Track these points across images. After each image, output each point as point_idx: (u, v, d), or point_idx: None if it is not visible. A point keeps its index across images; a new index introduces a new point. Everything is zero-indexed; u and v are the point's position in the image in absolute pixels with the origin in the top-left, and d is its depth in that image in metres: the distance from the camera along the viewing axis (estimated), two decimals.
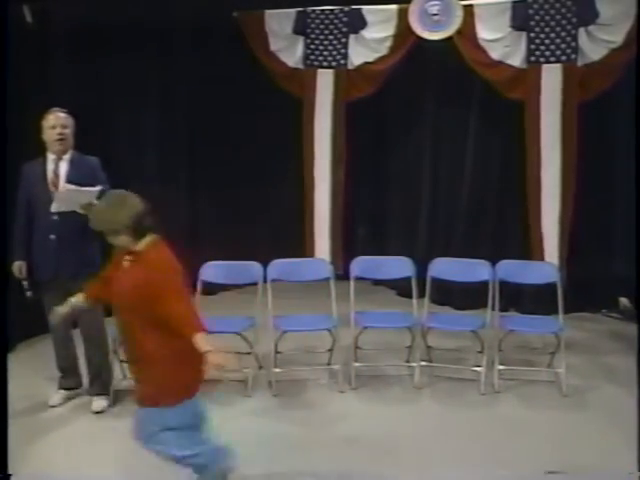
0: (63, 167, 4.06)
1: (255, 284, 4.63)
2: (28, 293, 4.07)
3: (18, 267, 4.06)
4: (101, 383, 4.25)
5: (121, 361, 4.41)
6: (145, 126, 6.19)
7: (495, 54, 5.67)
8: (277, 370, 4.48)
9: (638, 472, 2.95)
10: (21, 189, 4.11)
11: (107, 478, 3.43)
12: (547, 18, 5.56)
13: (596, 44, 5.46)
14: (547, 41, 5.58)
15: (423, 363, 4.66)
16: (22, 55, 4.82)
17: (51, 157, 4.10)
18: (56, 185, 4.03)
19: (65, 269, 4.03)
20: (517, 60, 5.67)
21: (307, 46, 6.23)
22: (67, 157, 4.08)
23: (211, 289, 5.16)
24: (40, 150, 4.13)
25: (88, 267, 4.11)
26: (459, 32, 5.68)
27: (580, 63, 5.51)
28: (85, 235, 4.09)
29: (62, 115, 4.09)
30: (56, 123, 4.04)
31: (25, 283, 4.07)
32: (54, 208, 3.95)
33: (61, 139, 4.04)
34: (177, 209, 6.60)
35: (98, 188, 3.88)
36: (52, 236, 4.01)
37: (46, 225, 4.02)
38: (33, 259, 4.08)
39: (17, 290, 4.08)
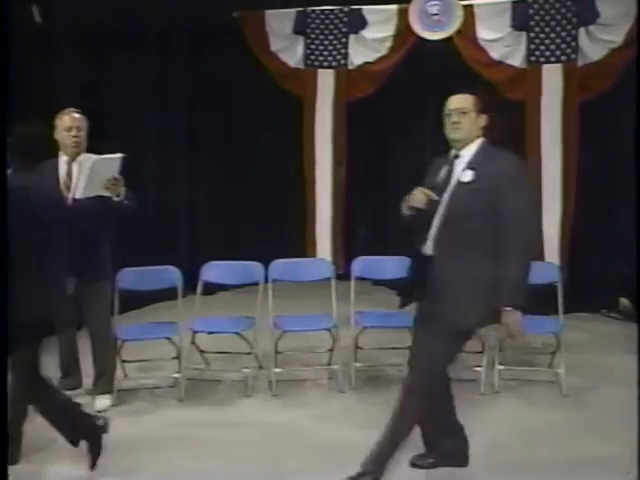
0: (76, 169, 3.99)
1: (256, 284, 4.63)
2: None
3: None
4: (105, 381, 4.25)
5: (123, 361, 4.43)
6: (144, 126, 6.20)
7: (495, 54, 5.70)
8: (277, 370, 4.48)
9: (638, 472, 2.94)
10: None
11: (110, 478, 3.43)
12: (547, 18, 5.58)
13: (596, 44, 5.48)
14: (547, 41, 5.59)
15: None
16: (25, 54, 4.82)
17: (64, 158, 4.04)
18: (69, 187, 3.99)
19: (75, 273, 4.02)
20: (517, 60, 5.69)
21: (307, 46, 6.25)
22: (81, 158, 4.00)
23: (212, 289, 5.18)
24: (48, 150, 4.07)
25: (99, 271, 4.12)
26: (459, 32, 5.71)
27: (580, 63, 5.54)
28: (97, 238, 4.10)
29: (77, 116, 4.04)
30: (72, 125, 3.99)
31: None
32: (80, 194, 3.83)
33: (76, 142, 4.00)
34: (177, 209, 6.62)
35: (120, 155, 3.81)
36: None
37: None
38: None
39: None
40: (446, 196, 3.04)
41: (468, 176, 3.00)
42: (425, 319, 3.14)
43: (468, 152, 3.10)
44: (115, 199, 3.86)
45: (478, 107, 3.13)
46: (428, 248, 3.06)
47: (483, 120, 3.13)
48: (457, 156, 3.12)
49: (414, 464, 3.43)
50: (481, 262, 2.95)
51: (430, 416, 3.25)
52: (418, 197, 3.05)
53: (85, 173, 3.80)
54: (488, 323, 3.05)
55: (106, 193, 3.83)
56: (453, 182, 3.05)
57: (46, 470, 3.45)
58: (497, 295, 2.91)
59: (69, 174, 4.02)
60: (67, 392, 4.27)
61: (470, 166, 3.04)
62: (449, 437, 3.37)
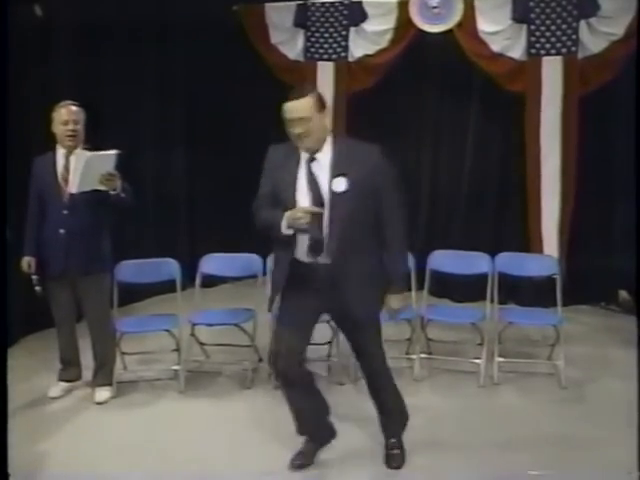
0: (74, 162, 4.00)
1: (255, 276, 4.63)
2: (37, 289, 4.05)
3: (27, 262, 4.05)
4: (105, 374, 4.27)
5: (122, 353, 4.44)
6: (144, 119, 6.19)
7: (495, 47, 5.68)
8: None
9: (638, 472, 2.94)
10: (32, 184, 4.09)
11: (110, 470, 3.44)
12: (548, 10, 5.57)
13: (597, 36, 5.46)
14: (548, 33, 5.57)
15: (423, 355, 4.67)
16: (25, 49, 4.82)
17: (61, 151, 4.05)
18: (66, 180, 3.99)
19: (74, 265, 4.02)
20: (517, 52, 5.67)
21: (307, 39, 6.25)
22: (78, 152, 4.01)
23: (211, 281, 5.18)
24: (47, 142, 4.10)
25: (98, 263, 4.12)
26: (459, 25, 5.69)
27: (581, 55, 5.52)
28: (96, 231, 4.10)
29: (74, 109, 4.03)
30: (68, 118, 3.99)
31: (34, 278, 4.05)
32: (76, 189, 3.87)
33: (73, 135, 4.00)
34: (176, 202, 6.62)
35: (115, 152, 3.81)
36: (62, 231, 3.98)
37: (56, 220, 4.00)
38: (42, 253, 4.06)
39: (25, 285, 4.09)
40: (325, 208, 2.94)
41: (342, 185, 2.91)
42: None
43: (325, 154, 2.99)
44: (111, 193, 3.87)
45: (319, 107, 2.97)
46: (320, 258, 3.01)
47: (328, 116, 3.02)
48: (313, 159, 2.99)
49: (299, 465, 3.42)
50: (370, 259, 3.07)
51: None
52: (302, 218, 2.89)
53: (80, 169, 3.82)
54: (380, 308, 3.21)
55: (102, 187, 3.84)
56: (325, 191, 2.94)
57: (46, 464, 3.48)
58: (389, 283, 3.13)
59: (67, 167, 4.03)
60: (67, 383, 4.32)
61: (339, 172, 2.93)
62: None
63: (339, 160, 2.97)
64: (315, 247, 3.00)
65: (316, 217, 2.91)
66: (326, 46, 6.22)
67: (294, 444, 3.57)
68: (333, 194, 2.94)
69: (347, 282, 3.02)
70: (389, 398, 3.42)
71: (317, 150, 3.00)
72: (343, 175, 2.92)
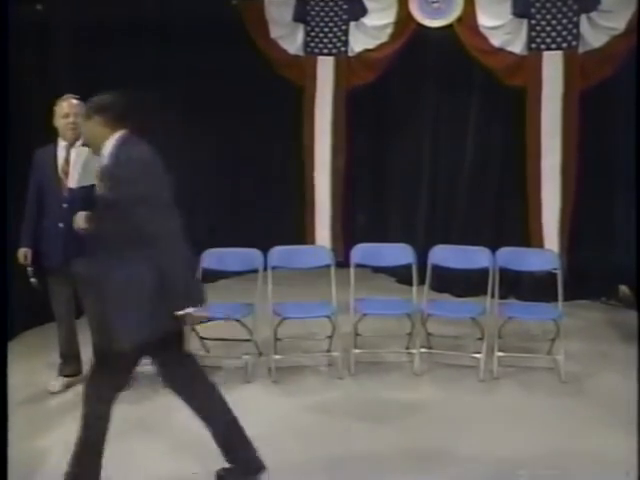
0: (74, 154, 4.02)
1: (255, 271, 4.63)
2: (32, 280, 4.06)
3: (23, 254, 4.05)
4: None
5: None
6: (143, 114, 6.17)
7: (496, 41, 5.67)
8: (277, 357, 4.49)
9: (637, 472, 2.93)
10: (32, 176, 4.10)
11: (110, 465, 3.43)
12: (548, 5, 5.56)
13: (597, 31, 5.45)
14: (548, 28, 5.57)
15: (423, 350, 4.67)
16: (25, 43, 4.81)
17: (62, 144, 4.07)
18: (67, 173, 4.01)
19: (73, 258, 4.02)
20: (518, 47, 5.66)
21: (307, 33, 6.23)
22: (79, 144, 4.01)
23: (211, 276, 5.17)
24: (48, 136, 4.11)
25: None
26: (460, 19, 5.68)
27: (581, 50, 5.51)
28: None
29: (75, 102, 4.04)
30: (69, 111, 4.01)
31: (30, 270, 4.05)
32: (75, 184, 3.90)
33: (74, 128, 4.01)
34: (176, 197, 6.59)
35: None
36: (61, 224, 3.98)
37: (55, 213, 4.00)
38: (41, 246, 4.07)
39: (23, 278, 4.09)
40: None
41: (99, 187, 2.83)
42: None
43: (104, 157, 2.89)
44: None
45: (88, 112, 2.98)
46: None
47: (99, 124, 2.92)
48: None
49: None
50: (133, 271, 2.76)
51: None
52: (77, 222, 3.00)
53: (80, 164, 3.85)
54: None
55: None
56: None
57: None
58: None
59: (67, 160, 4.04)
60: (67, 378, 4.32)
61: (102, 174, 2.83)
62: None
63: (107, 164, 2.86)
64: None
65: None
66: (326, 41, 6.21)
67: (295, 437, 3.58)
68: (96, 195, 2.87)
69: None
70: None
71: (99, 152, 2.94)
72: (104, 177, 2.84)
